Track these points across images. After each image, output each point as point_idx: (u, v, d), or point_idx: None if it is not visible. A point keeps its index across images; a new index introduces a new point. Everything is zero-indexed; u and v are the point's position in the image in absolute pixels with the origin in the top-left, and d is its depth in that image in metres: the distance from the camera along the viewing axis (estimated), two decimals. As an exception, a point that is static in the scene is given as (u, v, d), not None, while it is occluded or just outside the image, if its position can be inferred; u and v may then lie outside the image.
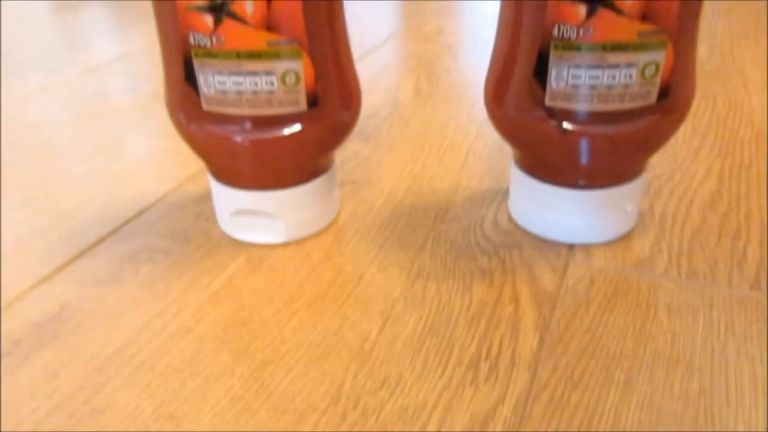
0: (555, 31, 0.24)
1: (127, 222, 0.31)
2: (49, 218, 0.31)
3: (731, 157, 0.34)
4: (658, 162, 0.34)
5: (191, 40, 0.24)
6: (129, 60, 0.53)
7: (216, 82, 0.25)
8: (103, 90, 0.47)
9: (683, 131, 0.37)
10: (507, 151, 0.36)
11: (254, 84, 0.25)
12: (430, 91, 0.45)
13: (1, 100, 0.45)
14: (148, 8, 0.64)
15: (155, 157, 0.37)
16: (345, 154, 0.36)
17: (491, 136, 0.38)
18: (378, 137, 0.38)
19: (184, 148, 0.37)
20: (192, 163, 0.36)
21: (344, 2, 0.26)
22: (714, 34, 0.53)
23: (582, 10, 0.23)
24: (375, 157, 0.36)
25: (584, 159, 0.26)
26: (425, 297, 0.25)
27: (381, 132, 0.39)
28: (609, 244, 0.28)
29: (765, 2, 0.61)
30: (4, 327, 0.24)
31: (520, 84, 0.26)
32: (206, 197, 0.32)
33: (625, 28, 0.23)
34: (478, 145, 0.37)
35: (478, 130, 0.39)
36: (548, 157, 0.27)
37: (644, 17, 0.23)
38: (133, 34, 0.59)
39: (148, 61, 0.52)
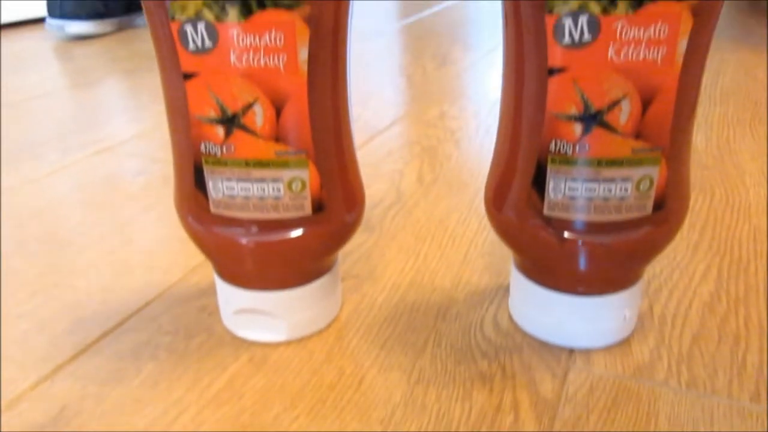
0: (552, 146, 0.25)
1: (131, 315, 0.31)
2: (53, 311, 0.32)
3: (729, 256, 0.35)
4: (657, 259, 0.35)
5: (202, 149, 0.25)
6: (141, 141, 0.54)
7: (225, 188, 0.26)
8: (113, 172, 0.48)
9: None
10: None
11: (261, 190, 0.26)
12: (432, 179, 0.46)
13: (10, 184, 0.46)
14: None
15: (161, 245, 0.37)
16: (349, 246, 0.37)
17: (492, 229, 0.38)
18: (381, 228, 0.39)
19: (191, 237, 0.38)
20: (197, 252, 0.36)
21: (350, 85, 0.27)
22: (710, 124, 0.54)
23: (577, 128, 0.24)
24: (378, 249, 0.37)
25: (582, 267, 0.26)
26: (425, 404, 0.25)
27: (384, 223, 0.39)
28: (609, 348, 0.28)
29: (760, 90, 0.63)
30: (4, 429, 0.24)
31: (519, 192, 0.26)
32: (210, 289, 0.33)
33: (620, 146, 0.24)
34: (480, 239, 0.37)
35: (479, 222, 0.39)
36: (547, 263, 0.27)
37: (638, 135, 0.24)
38: (146, 113, 0.61)
39: (159, 142, 0.54)
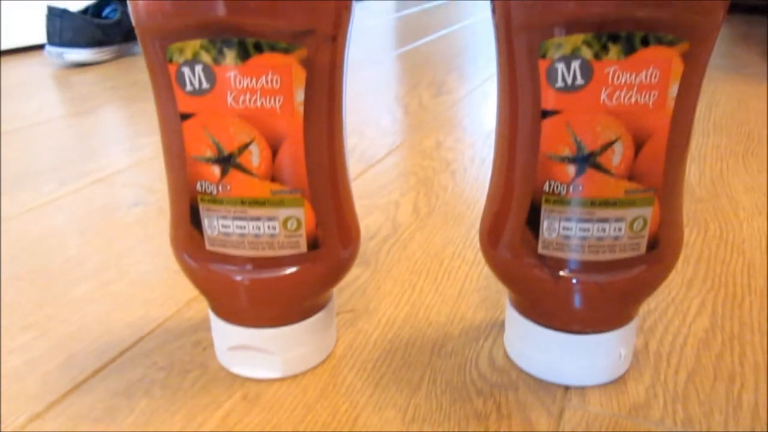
0: (546, 186, 0.25)
1: (124, 351, 0.31)
2: (47, 346, 0.31)
3: (723, 291, 0.35)
4: (652, 295, 0.35)
5: (198, 187, 0.26)
6: (138, 170, 0.54)
7: (220, 226, 0.26)
8: (109, 202, 0.48)
9: (676, 260, 0.38)
10: (503, 278, 0.37)
11: (257, 228, 0.26)
12: (428, 211, 0.46)
13: (6, 214, 0.46)
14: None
15: (156, 277, 0.37)
16: (344, 280, 0.37)
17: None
18: (377, 261, 0.39)
19: (186, 269, 0.38)
20: (191, 286, 0.36)
21: (345, 122, 0.27)
22: (704, 156, 0.55)
23: (571, 169, 0.24)
24: (373, 283, 0.37)
25: (576, 305, 0.26)
26: (420, 444, 0.25)
27: (380, 256, 0.40)
28: (604, 386, 0.28)
29: (752, 121, 0.64)
30: (-5, 470, 0.24)
31: (513, 231, 0.27)
32: (205, 323, 0.33)
33: (613, 187, 0.24)
34: (475, 273, 0.37)
35: (474, 255, 0.39)
36: (541, 301, 0.27)
37: (630, 176, 0.24)
38: (144, 142, 0.61)
39: (156, 172, 0.54)
